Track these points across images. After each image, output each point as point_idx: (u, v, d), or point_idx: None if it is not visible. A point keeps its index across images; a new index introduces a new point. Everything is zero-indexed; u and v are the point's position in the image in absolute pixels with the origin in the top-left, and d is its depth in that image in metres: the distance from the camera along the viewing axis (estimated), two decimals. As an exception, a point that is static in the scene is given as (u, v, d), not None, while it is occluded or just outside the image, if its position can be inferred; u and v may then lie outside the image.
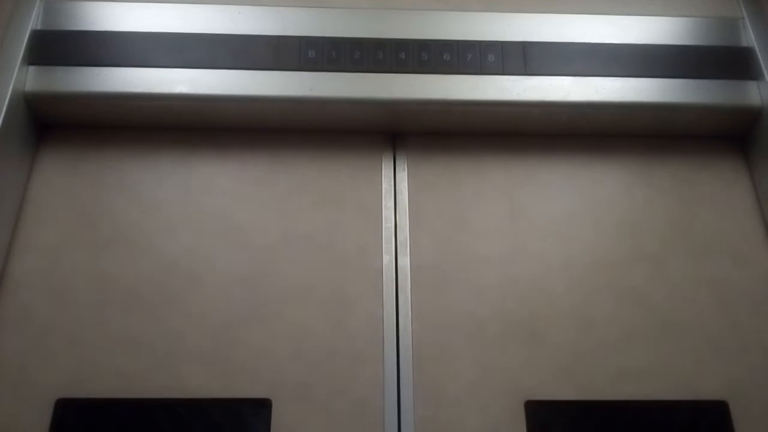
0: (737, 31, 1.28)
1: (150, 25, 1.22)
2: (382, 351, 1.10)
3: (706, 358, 1.11)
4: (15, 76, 1.15)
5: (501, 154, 1.26)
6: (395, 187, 1.22)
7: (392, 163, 1.24)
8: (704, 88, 1.22)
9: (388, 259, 1.17)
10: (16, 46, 1.18)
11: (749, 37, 1.26)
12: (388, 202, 1.21)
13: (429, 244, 1.18)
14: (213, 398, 1.05)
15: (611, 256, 1.18)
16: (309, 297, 1.13)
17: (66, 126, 1.23)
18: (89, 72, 1.18)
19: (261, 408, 1.05)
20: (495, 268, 1.17)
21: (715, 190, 1.24)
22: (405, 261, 1.17)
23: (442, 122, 1.25)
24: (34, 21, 1.21)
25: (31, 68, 1.18)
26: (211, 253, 1.15)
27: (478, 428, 1.06)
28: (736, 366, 1.11)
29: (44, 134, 1.23)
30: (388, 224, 1.19)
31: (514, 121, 1.24)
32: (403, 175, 1.23)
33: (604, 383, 1.09)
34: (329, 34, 1.22)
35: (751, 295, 1.16)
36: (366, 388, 1.07)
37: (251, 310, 1.12)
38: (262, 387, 1.07)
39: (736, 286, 1.17)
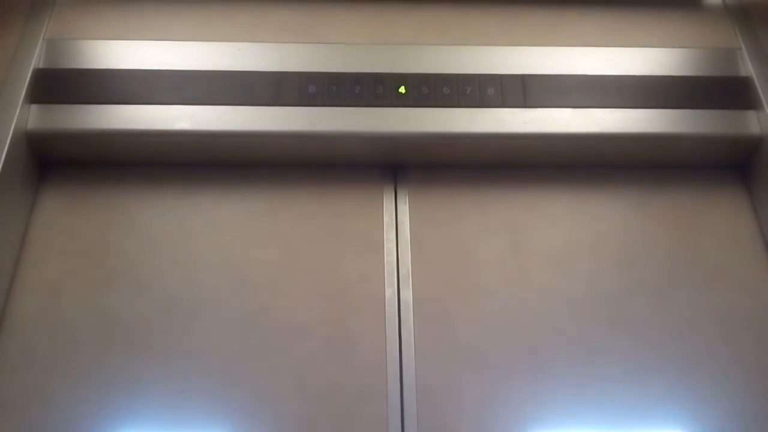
0: (735, 61, 1.28)
1: (151, 62, 1.23)
2: (386, 386, 1.09)
3: (711, 390, 1.10)
4: (17, 114, 1.16)
5: (502, 186, 1.26)
6: (396, 220, 1.23)
7: (393, 196, 1.25)
8: (704, 119, 1.22)
9: (390, 292, 1.16)
10: (19, 85, 1.19)
11: (747, 67, 1.27)
12: (389, 235, 1.21)
13: (431, 276, 1.18)
14: (215, 437, 1.05)
15: (614, 287, 1.18)
16: (311, 332, 1.12)
17: (68, 164, 1.23)
18: (91, 110, 1.18)
19: (264, 446, 1.04)
20: (497, 301, 1.16)
21: (716, 220, 1.24)
22: (407, 294, 1.16)
23: (443, 155, 1.25)
24: (36, 59, 1.22)
25: (33, 107, 1.19)
26: (213, 289, 1.15)
27: (483, 464, 1.05)
28: (742, 398, 1.10)
29: (46, 172, 1.23)
30: (389, 257, 1.19)
31: (514, 153, 1.25)
32: (404, 208, 1.23)
33: (610, 415, 1.08)
34: (329, 70, 1.23)
35: (756, 325, 1.15)
36: (370, 424, 1.06)
37: (253, 345, 1.11)
38: (264, 425, 1.06)
39: (739, 317, 1.16)
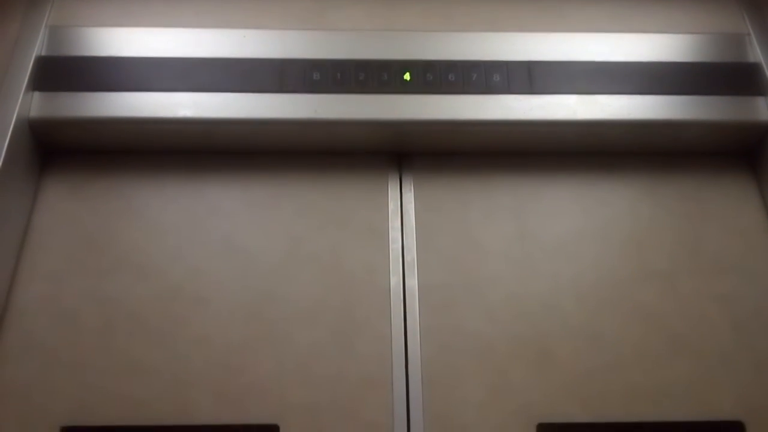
0: (743, 47, 1.27)
1: (154, 49, 1.22)
2: (391, 373, 1.09)
3: (720, 377, 1.10)
4: (20, 102, 1.15)
5: (507, 173, 1.25)
6: (402, 207, 1.22)
7: (398, 183, 1.24)
8: (711, 105, 1.21)
9: (395, 280, 1.16)
10: (21, 73, 1.18)
11: (755, 53, 1.26)
12: (394, 223, 1.20)
13: (436, 264, 1.17)
14: (220, 425, 1.04)
15: (621, 274, 1.17)
16: (316, 319, 1.12)
17: (70, 151, 1.23)
18: (94, 97, 1.17)
19: (269, 434, 1.04)
20: (503, 288, 1.16)
21: (723, 206, 1.24)
22: (413, 282, 1.16)
23: (448, 142, 1.24)
24: (38, 47, 1.22)
25: (36, 94, 1.18)
26: (217, 277, 1.15)
27: (490, 452, 1.04)
28: (751, 385, 1.09)
29: (49, 160, 1.23)
30: (395, 245, 1.18)
31: (520, 140, 1.24)
32: (409, 196, 1.23)
33: (617, 404, 1.07)
34: (334, 57, 1.22)
35: (763, 311, 1.15)
36: (375, 411, 1.06)
37: (258, 333, 1.11)
38: (269, 412, 1.05)
39: (747, 303, 1.15)
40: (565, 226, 1.21)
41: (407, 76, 1.21)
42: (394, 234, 1.19)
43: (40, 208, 1.19)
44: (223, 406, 1.05)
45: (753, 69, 1.25)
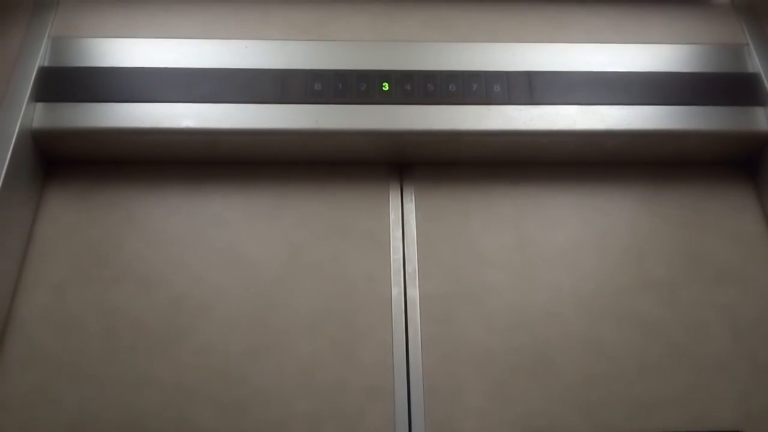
0: (742, 57, 1.28)
1: (156, 60, 1.22)
2: (393, 382, 1.09)
3: (721, 387, 1.10)
4: (22, 112, 1.15)
5: (508, 183, 1.26)
6: (403, 217, 1.22)
7: (399, 193, 1.24)
8: (711, 115, 1.21)
9: (397, 290, 1.16)
10: (24, 83, 1.19)
11: (755, 63, 1.27)
12: (396, 233, 1.21)
13: (438, 274, 1.18)
14: (223, 435, 1.05)
15: (621, 285, 1.17)
16: (318, 330, 1.12)
17: (73, 162, 1.23)
18: (96, 108, 1.18)
19: (271, 444, 1.04)
20: (504, 298, 1.16)
21: (723, 216, 1.24)
22: (414, 292, 1.16)
23: (449, 152, 1.25)
24: (41, 58, 1.22)
25: (39, 105, 1.19)
26: (219, 287, 1.15)
27: (491, 462, 1.05)
28: (751, 395, 1.09)
29: (51, 170, 1.23)
30: (396, 255, 1.19)
31: (520, 150, 1.24)
32: (410, 206, 1.23)
33: (618, 414, 1.08)
34: (335, 67, 1.23)
35: (764, 322, 1.15)
36: (377, 419, 1.06)
37: (260, 342, 1.11)
38: (271, 421, 1.06)
39: (747, 313, 1.16)
40: (566, 235, 1.21)
41: (408, 87, 1.21)
42: (396, 244, 1.20)
43: (42, 219, 1.19)
44: (225, 415, 1.06)
45: (752, 79, 1.25)
